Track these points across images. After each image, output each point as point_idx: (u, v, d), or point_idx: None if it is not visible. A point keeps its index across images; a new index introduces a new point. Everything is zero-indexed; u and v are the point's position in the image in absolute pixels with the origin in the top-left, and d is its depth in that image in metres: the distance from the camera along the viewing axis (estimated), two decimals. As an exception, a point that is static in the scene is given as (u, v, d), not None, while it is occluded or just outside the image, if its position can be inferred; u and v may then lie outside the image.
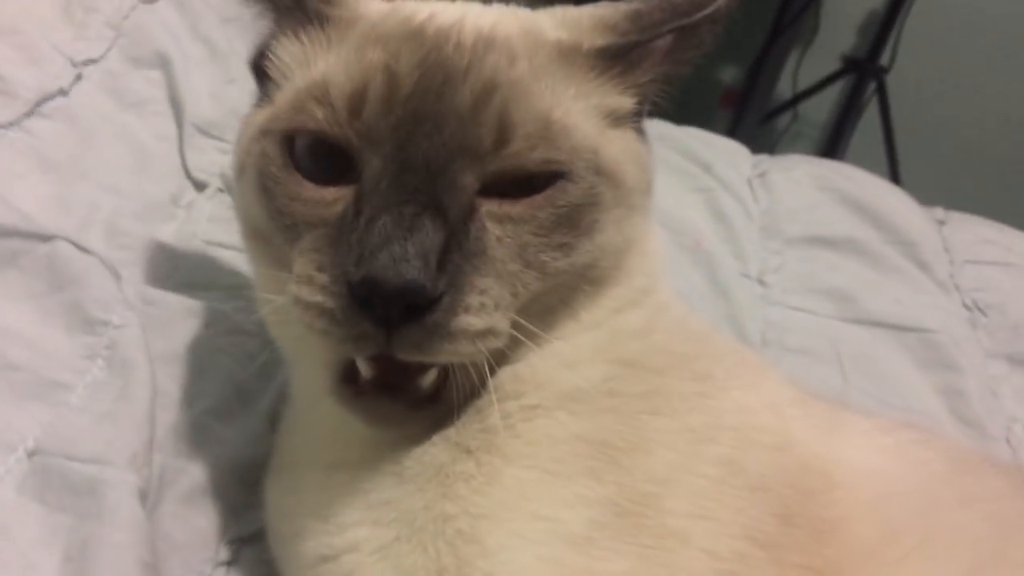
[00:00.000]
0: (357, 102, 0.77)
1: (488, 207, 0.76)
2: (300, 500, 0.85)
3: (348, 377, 0.80)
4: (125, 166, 1.25)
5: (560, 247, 0.78)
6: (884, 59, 3.47)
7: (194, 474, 0.93)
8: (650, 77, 0.86)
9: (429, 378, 0.79)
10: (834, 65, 3.55)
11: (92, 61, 1.32)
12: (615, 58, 0.84)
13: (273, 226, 0.82)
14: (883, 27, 3.45)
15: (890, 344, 1.34)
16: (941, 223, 1.61)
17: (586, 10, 0.87)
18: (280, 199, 0.80)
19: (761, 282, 1.44)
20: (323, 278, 0.74)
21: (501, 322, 0.76)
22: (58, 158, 1.20)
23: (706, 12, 0.83)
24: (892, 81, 3.47)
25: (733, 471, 0.78)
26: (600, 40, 0.84)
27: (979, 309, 1.43)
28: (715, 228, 1.50)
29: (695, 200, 1.55)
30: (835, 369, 1.30)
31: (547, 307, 0.82)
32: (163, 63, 1.37)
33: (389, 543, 0.78)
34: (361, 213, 0.73)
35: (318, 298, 0.73)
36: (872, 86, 3.51)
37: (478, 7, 0.90)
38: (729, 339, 0.97)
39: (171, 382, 1.01)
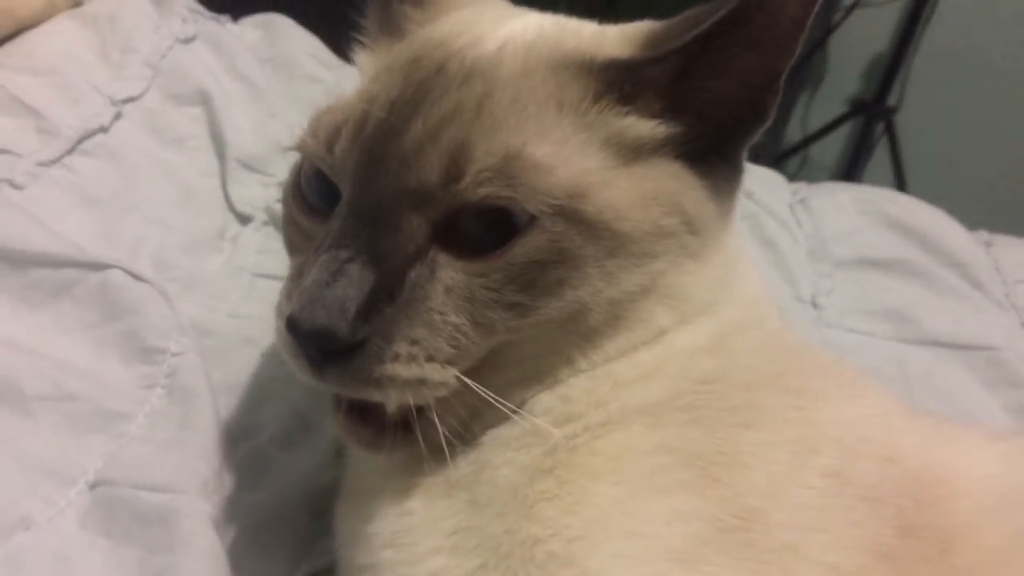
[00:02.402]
0: (333, 137, 0.76)
1: (441, 254, 0.73)
2: (374, 529, 0.80)
3: (338, 396, 0.81)
4: (169, 201, 1.23)
5: (512, 307, 0.73)
6: (892, 100, 3.49)
7: (262, 505, 0.89)
8: (663, 104, 0.77)
9: (391, 406, 0.76)
10: (843, 107, 3.56)
11: (132, 99, 1.32)
12: (618, 78, 0.76)
13: (285, 245, 0.87)
14: (890, 68, 3.47)
15: (953, 364, 1.31)
16: (988, 245, 1.58)
17: (651, 24, 0.81)
18: (285, 218, 0.85)
19: (815, 305, 1.41)
20: (285, 306, 0.75)
21: (435, 373, 0.73)
22: (101, 194, 1.19)
23: (723, 14, 0.73)
24: (901, 121, 3.48)
25: (841, 482, 0.73)
26: (620, 55, 0.78)
27: (1037, 328, 1.40)
28: (763, 253, 1.47)
29: (741, 227, 1.52)
30: (900, 389, 1.26)
31: (530, 354, 0.78)
32: (203, 100, 1.36)
33: (473, 571, 0.73)
34: (318, 250, 0.74)
35: (280, 324, 0.75)
36: (881, 127, 3.52)
37: (530, 21, 0.85)
38: (826, 353, 0.92)
39: (231, 412, 0.97)
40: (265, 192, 1.30)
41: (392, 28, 0.87)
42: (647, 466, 0.73)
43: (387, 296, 0.72)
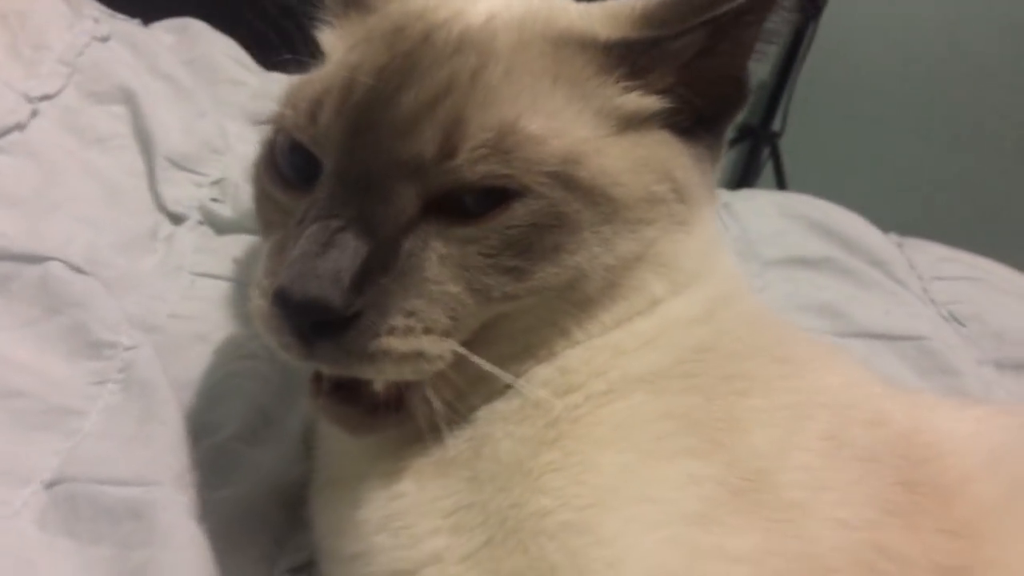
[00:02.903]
0: (316, 107, 0.74)
1: (434, 223, 0.71)
2: (363, 515, 0.76)
3: (316, 377, 0.77)
4: (95, 199, 1.16)
5: (509, 271, 0.71)
6: (776, 125, 3.62)
7: (231, 502, 0.84)
8: (676, 79, 0.78)
9: (378, 384, 0.75)
10: (730, 132, 3.66)
11: (48, 97, 1.25)
12: (629, 55, 0.77)
13: (258, 224, 0.83)
14: (773, 96, 3.61)
15: (888, 355, 1.33)
16: (900, 246, 1.64)
17: (631, 2, 0.81)
18: (258, 196, 0.82)
19: (750, 303, 1.43)
20: (266, 284, 0.72)
21: (433, 346, 0.71)
22: (21, 192, 1.12)
23: (731, 6, 0.75)
24: (785, 146, 3.62)
25: (837, 444, 0.74)
26: (623, 33, 0.78)
27: (957, 320, 1.45)
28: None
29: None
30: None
31: (524, 327, 0.77)
32: (126, 98, 1.29)
33: (478, 548, 0.70)
34: (303, 222, 0.71)
35: (260, 302, 0.72)
36: (767, 151, 3.65)
37: None
38: (798, 328, 0.93)
39: (188, 409, 0.91)
40: (198, 191, 1.25)
41: (358, 4, 0.85)
42: (652, 432, 0.72)
43: (381, 267, 0.69)
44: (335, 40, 0.84)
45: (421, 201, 0.71)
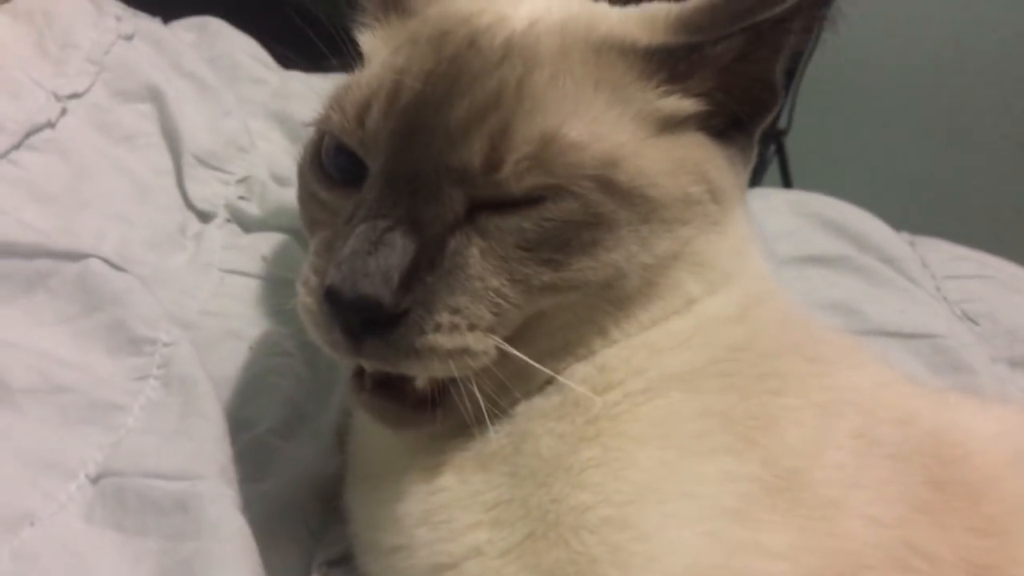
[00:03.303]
0: (364, 110, 0.76)
1: (475, 220, 0.73)
2: (404, 509, 0.78)
3: (358, 373, 0.79)
4: (126, 196, 1.18)
5: (547, 262, 0.73)
6: (782, 123, 3.63)
7: (270, 496, 0.86)
8: (714, 83, 0.80)
9: (420, 381, 0.76)
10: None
11: (76, 95, 1.27)
12: (670, 60, 0.78)
13: (303, 221, 0.84)
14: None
15: (902, 352, 1.35)
16: (912, 244, 1.66)
17: (676, 4, 0.82)
18: (303, 195, 0.83)
19: (766, 300, 1.44)
20: (314, 281, 0.74)
21: (478, 342, 0.73)
22: (54, 190, 1.13)
23: (773, 12, 0.76)
24: (790, 143, 3.62)
25: (868, 443, 0.76)
26: (662, 38, 0.80)
27: (970, 319, 1.46)
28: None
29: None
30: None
31: (563, 324, 0.78)
32: (154, 96, 1.31)
33: (519, 542, 0.72)
34: (351, 221, 0.73)
35: (308, 300, 0.74)
36: (772, 149, 3.66)
37: (543, 1, 0.86)
38: (827, 326, 0.95)
39: (224, 404, 0.93)
40: (225, 189, 1.27)
41: (398, 6, 0.86)
42: (691, 430, 0.74)
43: (428, 265, 0.71)
44: (376, 43, 0.86)
45: (467, 203, 0.73)
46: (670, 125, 0.79)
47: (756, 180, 3.65)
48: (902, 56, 3.37)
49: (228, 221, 1.24)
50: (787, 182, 3.54)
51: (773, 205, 1.67)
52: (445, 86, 0.74)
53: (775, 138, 3.58)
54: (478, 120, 0.72)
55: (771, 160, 3.65)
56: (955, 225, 2.16)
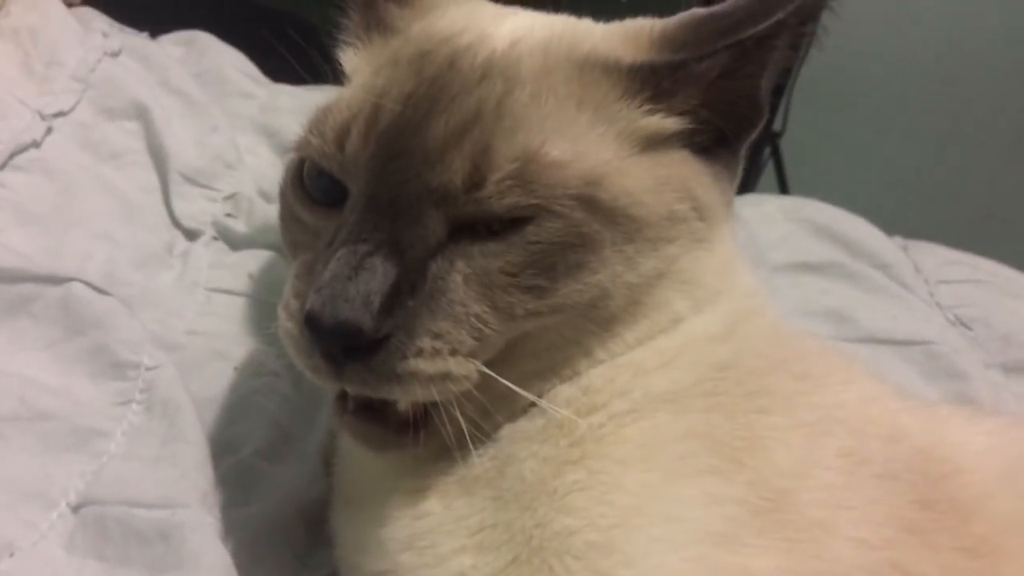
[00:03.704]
0: (343, 134, 0.76)
1: (459, 244, 0.73)
2: (388, 534, 0.78)
3: (341, 395, 0.79)
4: (112, 216, 1.17)
5: (531, 289, 0.72)
6: (777, 125, 3.62)
7: (255, 520, 0.85)
8: (699, 100, 0.79)
9: (403, 404, 0.76)
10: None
11: (62, 114, 1.26)
12: (654, 78, 0.77)
13: (284, 244, 0.85)
14: (773, 95, 3.59)
15: (895, 360, 1.34)
16: (905, 249, 1.65)
17: (659, 21, 0.82)
18: (285, 217, 0.83)
19: (759, 309, 1.43)
20: (295, 305, 0.74)
21: (459, 367, 0.72)
22: (39, 210, 1.13)
23: (757, 29, 0.75)
24: (786, 146, 3.62)
25: (856, 461, 0.75)
26: (646, 56, 0.79)
27: (963, 324, 1.46)
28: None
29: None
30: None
31: (547, 346, 0.78)
32: (140, 113, 1.30)
33: (504, 568, 0.71)
34: (332, 244, 0.72)
35: (289, 324, 0.74)
36: (767, 151, 3.65)
37: (526, 19, 0.86)
38: (817, 339, 0.94)
39: (209, 427, 0.93)
40: (212, 206, 1.26)
41: (380, 25, 0.86)
42: (676, 452, 0.73)
43: (409, 289, 0.70)
44: (359, 62, 0.85)
45: (448, 225, 0.72)
46: (654, 143, 0.78)
47: (751, 183, 3.66)
48: (898, 56, 3.37)
49: (215, 239, 1.23)
50: (783, 184, 3.54)
51: (766, 212, 1.66)
52: (424, 107, 0.74)
53: (770, 140, 3.58)
54: (456, 139, 0.72)
55: (767, 163, 3.65)
56: (953, 226, 2.16)
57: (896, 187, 3.53)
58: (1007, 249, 1.72)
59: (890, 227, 1.70)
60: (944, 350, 1.36)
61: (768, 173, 3.65)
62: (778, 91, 3.56)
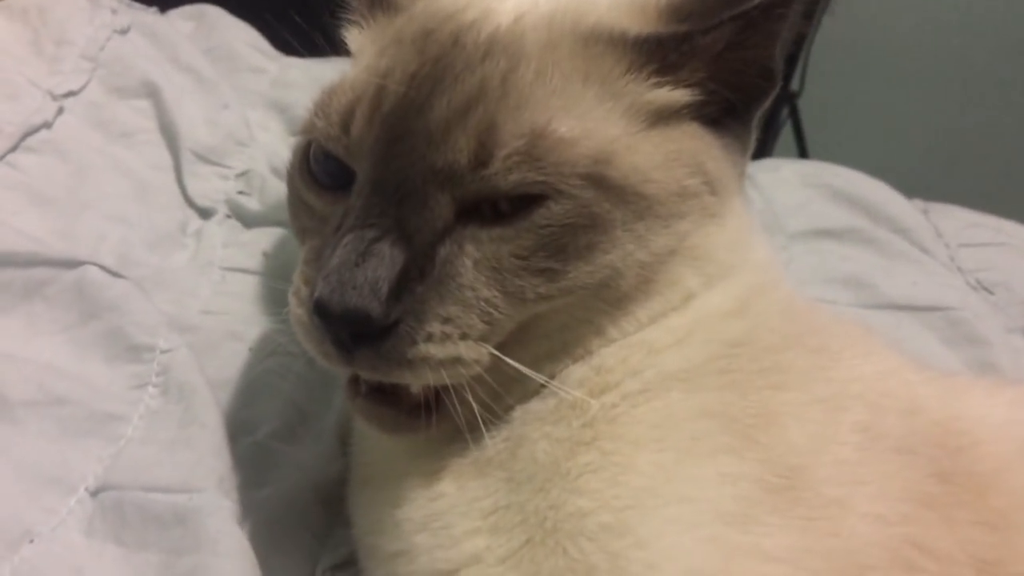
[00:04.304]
0: (348, 117, 0.75)
1: (467, 228, 0.72)
2: (404, 514, 0.78)
3: (353, 378, 0.78)
4: (125, 196, 1.18)
5: (542, 272, 0.72)
6: (794, 85, 3.57)
7: (272, 501, 0.85)
8: (707, 72, 0.77)
9: (415, 386, 0.75)
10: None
11: (72, 93, 1.25)
12: (661, 50, 0.76)
13: (293, 229, 0.84)
14: (789, 54, 3.54)
15: (915, 326, 1.33)
16: (925, 212, 1.63)
17: None
18: (293, 203, 0.82)
19: (777, 276, 1.42)
20: (304, 292, 0.73)
21: (470, 351, 0.72)
22: (53, 192, 1.13)
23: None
24: (804, 105, 3.57)
25: (873, 436, 0.74)
26: (653, 27, 0.77)
27: (985, 288, 1.44)
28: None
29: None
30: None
31: (559, 326, 0.77)
32: (150, 92, 1.30)
33: (517, 549, 0.71)
34: (339, 230, 0.72)
35: (299, 311, 0.74)
36: (785, 111, 3.60)
37: None
38: (832, 312, 0.93)
39: (225, 408, 0.93)
40: (224, 184, 1.26)
41: (384, 4, 0.85)
42: (689, 431, 0.73)
43: (418, 274, 0.70)
44: (363, 41, 0.84)
45: (455, 207, 0.71)
46: (663, 117, 0.77)
47: (769, 145, 3.62)
48: (920, 10, 3.31)
49: (228, 217, 1.23)
50: (801, 146, 3.50)
51: (783, 177, 1.65)
52: (428, 88, 0.73)
53: (788, 101, 3.54)
54: (460, 117, 0.71)
55: (784, 123, 3.61)
56: (975, 185, 2.13)
57: (918, 147, 3.49)
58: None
59: (911, 188, 1.68)
60: (965, 316, 1.34)
61: (786, 134, 3.61)
62: (795, 51, 3.52)
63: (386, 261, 0.69)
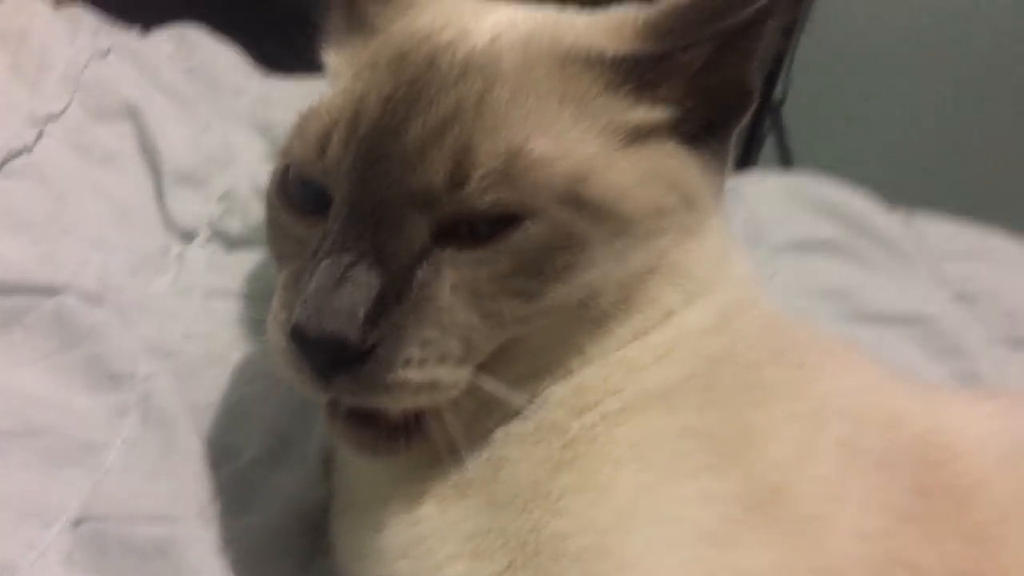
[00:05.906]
0: (324, 140, 0.75)
1: (444, 251, 0.71)
2: (385, 541, 0.77)
3: (332, 401, 0.78)
4: (106, 221, 1.17)
5: (520, 294, 0.72)
6: (777, 94, 3.58)
7: (255, 529, 0.85)
8: (684, 90, 0.78)
9: (394, 409, 0.75)
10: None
11: (53, 117, 1.24)
12: (638, 69, 0.76)
13: (272, 254, 0.83)
14: (772, 63, 3.55)
15: (898, 337, 1.33)
16: (908, 222, 1.63)
17: (646, 9, 0.80)
18: (271, 228, 0.82)
19: (761, 290, 1.43)
20: (283, 317, 0.73)
21: (448, 375, 0.72)
22: (32, 217, 1.12)
23: (738, 18, 0.75)
24: (787, 115, 3.58)
25: (853, 451, 0.75)
26: (630, 46, 0.78)
27: (968, 299, 1.44)
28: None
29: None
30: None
31: (539, 346, 0.77)
32: (132, 114, 1.29)
33: (499, 573, 0.71)
34: (316, 254, 0.71)
35: (277, 336, 0.73)
36: (768, 123, 3.61)
37: (508, 13, 0.85)
38: (813, 327, 0.93)
39: (207, 434, 0.92)
40: (206, 207, 1.25)
41: (361, 25, 0.85)
42: (669, 451, 0.73)
43: (395, 298, 0.70)
44: (341, 62, 0.84)
45: (432, 229, 0.71)
46: (640, 135, 0.77)
47: (754, 154, 3.63)
48: (905, 18, 3.31)
49: (210, 239, 1.22)
50: (785, 156, 3.51)
51: (767, 190, 1.65)
52: (403, 110, 0.73)
53: (771, 111, 3.55)
54: (435, 138, 0.71)
55: (767, 134, 3.62)
56: (960, 193, 2.13)
57: (902, 155, 3.49)
58: (1014, 217, 1.70)
59: (896, 196, 1.68)
60: (947, 327, 1.35)
61: (769, 146, 3.62)
62: (777, 58, 3.51)
63: (363, 286, 0.68)
